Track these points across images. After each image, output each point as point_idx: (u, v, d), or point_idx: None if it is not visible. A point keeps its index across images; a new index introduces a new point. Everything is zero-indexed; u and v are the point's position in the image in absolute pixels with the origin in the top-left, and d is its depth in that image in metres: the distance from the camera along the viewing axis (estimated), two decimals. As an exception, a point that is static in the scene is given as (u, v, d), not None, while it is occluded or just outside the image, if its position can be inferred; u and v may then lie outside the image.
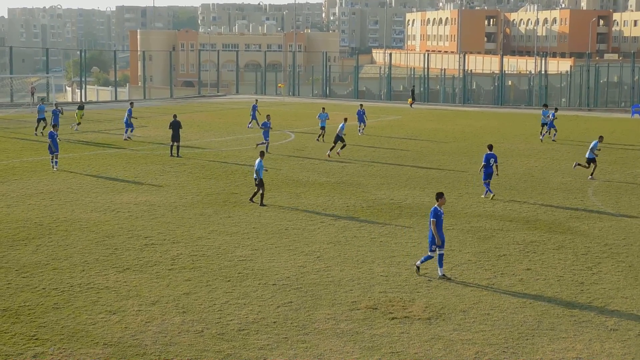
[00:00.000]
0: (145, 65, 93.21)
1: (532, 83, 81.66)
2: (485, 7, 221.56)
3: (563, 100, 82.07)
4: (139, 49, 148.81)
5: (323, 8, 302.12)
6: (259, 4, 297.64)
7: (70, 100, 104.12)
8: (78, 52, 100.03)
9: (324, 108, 46.52)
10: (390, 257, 20.14)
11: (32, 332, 14.63)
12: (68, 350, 13.82)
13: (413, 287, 17.64)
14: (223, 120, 55.21)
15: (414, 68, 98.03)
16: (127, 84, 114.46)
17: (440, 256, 18.24)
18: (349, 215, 25.06)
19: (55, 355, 13.59)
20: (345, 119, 40.04)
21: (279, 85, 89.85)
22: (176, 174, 32.38)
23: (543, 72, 79.72)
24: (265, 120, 39.15)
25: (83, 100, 77.43)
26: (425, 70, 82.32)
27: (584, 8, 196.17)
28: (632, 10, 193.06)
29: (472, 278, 18.44)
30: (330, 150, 37.69)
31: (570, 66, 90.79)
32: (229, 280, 17.98)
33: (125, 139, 43.49)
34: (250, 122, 51.05)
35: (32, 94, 68.41)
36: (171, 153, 37.14)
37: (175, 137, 37.27)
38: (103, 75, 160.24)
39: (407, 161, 36.81)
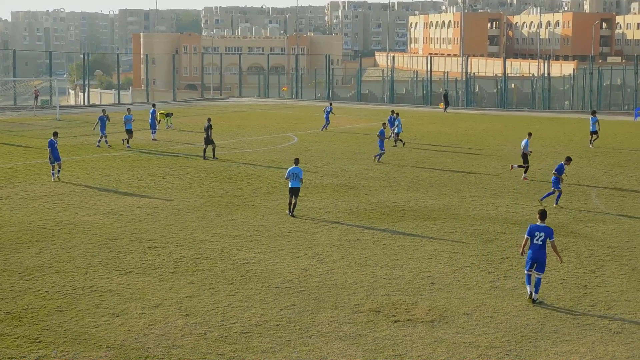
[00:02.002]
0: (148, 68, 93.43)
1: (535, 86, 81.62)
2: (488, 10, 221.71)
3: (566, 103, 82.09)
4: (142, 52, 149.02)
5: (326, 11, 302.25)
6: (261, 7, 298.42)
7: (73, 103, 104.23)
8: (81, 56, 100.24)
9: (396, 112, 46.45)
10: (393, 260, 20.13)
11: (35, 335, 14.64)
12: (71, 353, 13.83)
13: (416, 290, 17.63)
14: (226, 123, 55.21)
15: (417, 71, 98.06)
16: (130, 87, 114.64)
17: (538, 280, 17.00)
18: (352, 218, 25.05)
19: (59, 358, 13.59)
20: (530, 134, 35.19)
21: (282, 88, 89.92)
22: (179, 176, 32.40)
23: (546, 75, 79.69)
24: (382, 127, 38.34)
25: (87, 103, 77.56)
26: (428, 73, 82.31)
27: (587, 11, 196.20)
28: (635, 13, 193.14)
29: (475, 281, 18.43)
30: (521, 169, 33.25)
31: (573, 69, 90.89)
32: (232, 283, 17.98)
33: (153, 140, 44.49)
34: (323, 126, 51.04)
35: (36, 97, 68.48)
36: (204, 156, 37.26)
37: (209, 140, 37.33)
38: (106, 78, 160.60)
39: (410, 164, 36.80)
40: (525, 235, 17.20)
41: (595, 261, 20.28)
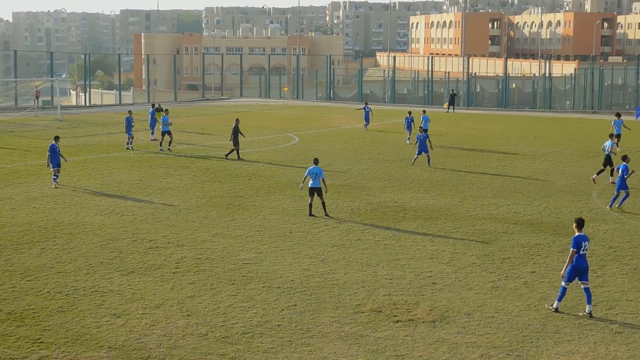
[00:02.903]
0: (149, 68, 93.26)
1: (536, 86, 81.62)
2: (489, 10, 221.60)
3: (567, 103, 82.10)
4: (143, 53, 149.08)
5: (327, 11, 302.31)
6: (263, 7, 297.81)
7: (75, 103, 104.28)
8: (82, 56, 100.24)
9: (424, 111, 47.27)
10: (394, 260, 20.13)
11: (37, 335, 14.65)
12: (72, 353, 13.83)
13: (417, 290, 17.63)
14: (227, 123, 55.18)
15: (418, 71, 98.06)
16: (132, 88, 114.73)
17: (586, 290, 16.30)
18: (353, 218, 25.05)
19: (60, 359, 13.59)
20: (614, 135, 34.19)
21: (284, 88, 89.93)
22: (180, 177, 32.41)
23: (547, 75, 79.68)
24: (419, 132, 36.43)
25: (89, 103, 77.59)
26: (429, 73, 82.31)
27: (588, 11, 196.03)
28: (636, 13, 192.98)
29: (476, 281, 18.42)
30: (597, 174, 31.85)
31: (575, 69, 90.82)
32: (233, 284, 17.98)
33: (152, 140, 44.38)
34: (365, 125, 51.45)
35: (37, 98, 68.51)
36: (227, 156, 37.34)
37: (236, 141, 37.29)
38: (107, 78, 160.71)
39: (411, 164, 36.76)
40: (572, 249, 16.12)
41: (597, 261, 20.27)
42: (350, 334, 14.90)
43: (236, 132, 37.45)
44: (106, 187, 29.98)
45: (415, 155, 36.05)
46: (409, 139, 44.48)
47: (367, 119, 51.68)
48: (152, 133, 45.00)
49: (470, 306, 16.58)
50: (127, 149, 40.58)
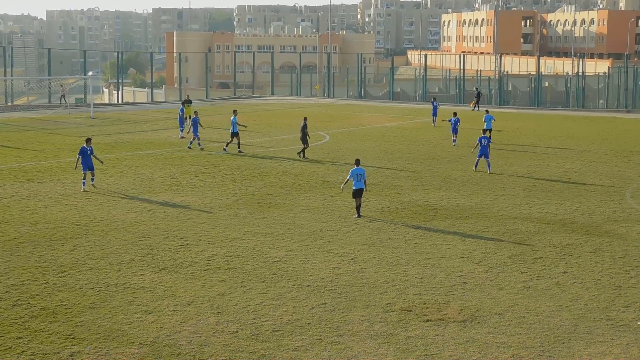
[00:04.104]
0: (181, 66, 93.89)
1: (569, 84, 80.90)
2: (522, 8, 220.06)
3: (601, 101, 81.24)
4: (175, 51, 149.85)
5: (358, 9, 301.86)
6: (294, 5, 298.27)
7: (107, 101, 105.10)
8: (115, 54, 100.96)
9: (487, 110, 47.95)
10: (425, 260, 20.07)
11: (69, 331, 14.78)
12: (104, 349, 13.95)
13: (448, 290, 17.56)
14: (258, 121, 55.37)
15: (449, 70, 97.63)
16: (163, 86, 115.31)
17: None
18: (383, 217, 25.01)
19: (92, 355, 13.71)
20: None
21: (315, 86, 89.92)
22: (211, 175, 32.54)
23: (580, 74, 78.92)
24: (482, 134, 35.71)
25: (121, 101, 78.18)
26: (461, 71, 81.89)
27: (623, 8, 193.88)
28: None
29: (507, 281, 18.31)
30: None
31: (608, 67, 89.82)
32: (263, 281, 18.03)
33: (181, 137, 44.35)
34: (434, 122, 51.76)
35: (63, 96, 68.99)
36: (303, 155, 37.20)
37: (305, 140, 37.27)
38: (139, 76, 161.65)
39: (442, 163, 36.66)
40: None
41: (630, 261, 20.07)
42: (380, 333, 14.88)
43: (304, 130, 37.39)
44: (138, 185, 30.18)
45: (477, 159, 34.26)
46: (454, 140, 43.33)
47: (434, 114, 53.02)
48: (181, 131, 45.15)
49: (501, 306, 16.49)
50: (189, 147, 39.84)
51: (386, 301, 16.71)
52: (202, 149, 39.80)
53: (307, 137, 37.57)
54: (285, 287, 17.65)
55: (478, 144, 33.93)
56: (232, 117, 39.13)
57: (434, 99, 56.88)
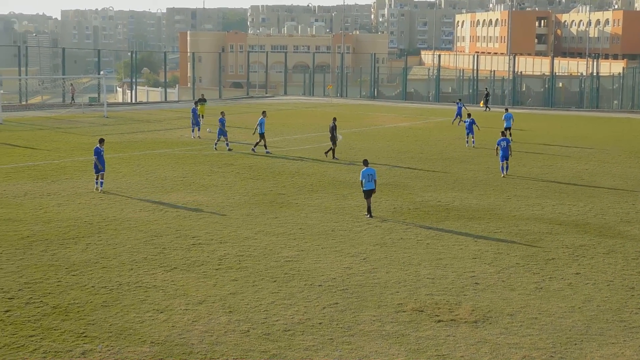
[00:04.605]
0: (194, 66, 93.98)
1: (583, 85, 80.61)
2: (536, 8, 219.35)
3: (615, 102, 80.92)
4: (188, 51, 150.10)
5: (372, 9, 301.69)
6: (307, 5, 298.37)
7: (121, 100, 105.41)
8: (129, 54, 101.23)
9: (507, 109, 49.25)
10: (436, 260, 20.04)
11: (81, 329, 14.83)
12: (116, 347, 13.99)
13: (459, 290, 17.52)
14: (271, 121, 55.33)
15: (463, 70, 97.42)
16: (177, 85, 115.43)
17: None
18: (395, 217, 24.98)
19: (104, 353, 13.76)
20: None
21: (328, 86, 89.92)
22: (223, 174, 32.59)
23: (595, 74, 78.60)
24: (501, 136, 34.07)
25: (135, 100, 78.39)
26: (475, 72, 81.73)
27: (638, 9, 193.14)
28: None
29: (519, 282, 18.26)
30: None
31: (623, 68, 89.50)
32: (275, 281, 18.04)
33: (194, 137, 44.53)
34: (454, 120, 52.25)
35: (72, 95, 69.13)
36: (332, 155, 37.02)
37: (334, 140, 37.15)
38: (153, 76, 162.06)
39: (454, 163, 36.59)
40: None
41: (643, 263, 19.97)
42: (391, 333, 14.87)
43: (333, 131, 37.26)
44: (150, 184, 30.26)
45: (501, 163, 33.13)
46: (473, 142, 42.66)
47: (459, 114, 53.50)
48: (193, 130, 45.06)
49: (513, 307, 16.44)
50: (215, 148, 39.46)
51: (398, 301, 16.70)
52: (230, 150, 39.24)
53: (336, 137, 37.46)
54: (297, 286, 17.65)
55: (498, 147, 32.99)
56: (260, 118, 38.94)
57: (459, 99, 57.43)
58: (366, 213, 24.96)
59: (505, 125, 43.91)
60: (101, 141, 29.26)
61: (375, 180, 24.70)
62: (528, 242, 21.99)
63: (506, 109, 47.28)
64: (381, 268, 19.22)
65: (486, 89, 73.77)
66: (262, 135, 38.63)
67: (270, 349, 14.02)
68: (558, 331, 15.09)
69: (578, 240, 22.33)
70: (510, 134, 42.39)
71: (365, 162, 25.21)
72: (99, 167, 28.39)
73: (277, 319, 15.54)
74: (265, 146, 38.88)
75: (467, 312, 16.04)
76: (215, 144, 39.89)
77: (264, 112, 39.85)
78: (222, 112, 40.72)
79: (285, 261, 19.72)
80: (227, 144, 39.69)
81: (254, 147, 39.01)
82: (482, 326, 15.30)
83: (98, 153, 28.54)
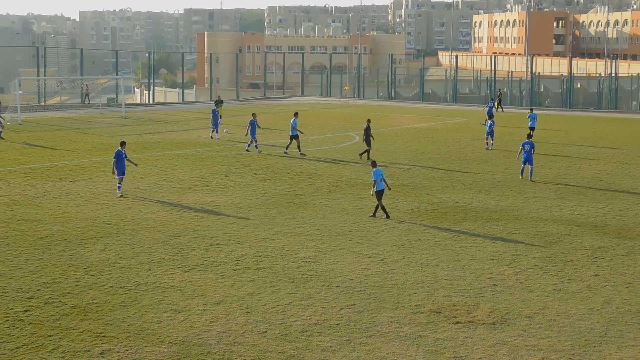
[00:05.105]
0: (212, 67, 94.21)
1: (601, 86, 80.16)
2: (554, 9, 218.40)
3: (634, 103, 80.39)
4: (206, 51, 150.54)
5: (389, 10, 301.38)
6: (325, 6, 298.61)
7: (138, 101, 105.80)
8: (147, 54, 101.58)
9: (531, 109, 50.20)
10: (454, 261, 19.98)
11: (100, 329, 14.89)
12: (134, 347, 14.03)
13: (477, 292, 17.46)
14: (288, 122, 55.36)
15: (480, 71, 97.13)
16: (194, 86, 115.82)
17: None
18: (413, 218, 24.93)
19: (122, 353, 13.80)
20: None
21: (345, 87, 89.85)
22: (241, 175, 32.64)
23: (613, 75, 78.13)
24: (526, 139, 33.13)
25: (152, 101, 78.67)
26: (492, 72, 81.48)
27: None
28: None
29: (538, 283, 18.18)
30: None
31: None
32: (292, 282, 18.05)
33: (214, 138, 44.52)
34: (492, 144, 50.27)
35: (87, 95, 69.33)
36: (368, 157, 36.76)
37: (368, 142, 37.10)
38: (171, 77, 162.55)
39: (472, 164, 36.48)
40: None
41: (663, 265, 19.83)
42: (409, 334, 14.84)
43: (367, 132, 37.20)
44: (168, 184, 30.34)
45: (522, 166, 32.62)
46: (492, 144, 42.04)
47: (488, 113, 52.49)
48: (212, 131, 45.12)
49: (532, 309, 16.37)
50: (247, 151, 39.14)
51: (415, 302, 16.66)
52: (259, 152, 39.02)
53: (371, 138, 37.36)
54: (314, 287, 17.65)
55: (522, 149, 32.40)
56: (292, 120, 38.83)
57: (492, 99, 57.60)
58: (372, 214, 24.99)
59: (529, 124, 44.36)
60: (122, 144, 28.60)
61: (384, 180, 24.77)
62: (546, 244, 21.89)
63: (531, 109, 47.47)
64: (399, 269, 19.19)
65: (499, 89, 73.64)
66: (295, 137, 38.55)
67: (288, 350, 14.02)
68: (577, 333, 15.01)
69: (597, 241, 22.21)
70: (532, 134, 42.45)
71: (374, 164, 25.30)
72: (115, 171, 27.84)
73: (294, 319, 15.54)
74: (298, 147, 38.79)
75: (485, 314, 15.98)
76: (256, 146, 39.39)
77: (296, 114, 39.72)
78: (253, 114, 40.43)
79: (302, 262, 19.72)
80: (256, 146, 39.40)
81: (299, 149, 38.78)
82: (500, 328, 15.24)
83: (119, 156, 27.83)
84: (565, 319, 15.80)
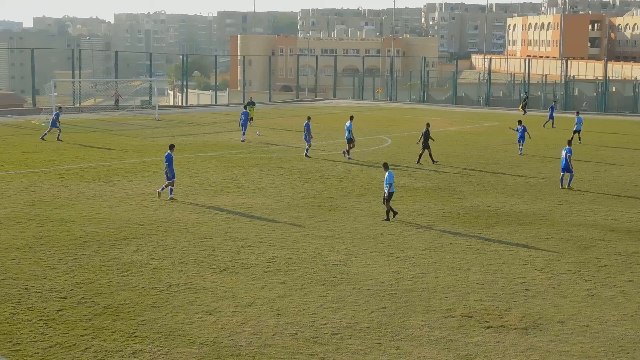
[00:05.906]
0: (244, 69, 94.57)
1: (637, 89, 79.32)
2: (589, 12, 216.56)
3: (669, 107, 79.49)
4: (239, 54, 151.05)
5: (422, 13, 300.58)
6: (358, 9, 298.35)
7: (172, 104, 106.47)
8: (180, 57, 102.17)
9: (578, 112, 50.21)
10: (486, 265, 19.87)
11: (132, 329, 15.00)
12: (165, 348, 14.11)
13: (509, 296, 17.35)
14: (320, 124, 55.45)
15: (514, 74, 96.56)
16: (227, 88, 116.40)
17: None
18: (444, 222, 24.83)
19: (153, 353, 13.89)
20: None
21: (377, 90, 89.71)
22: (273, 177, 32.71)
23: (649, 79, 77.26)
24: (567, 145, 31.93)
25: (185, 103, 79.13)
26: (526, 76, 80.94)
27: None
28: None
29: (571, 288, 18.02)
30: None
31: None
32: (323, 284, 18.05)
33: (242, 141, 44.51)
34: (521, 149, 43.87)
35: (117, 101, 69.64)
36: (431, 160, 36.66)
37: (426, 145, 36.89)
38: (204, 79, 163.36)
39: (504, 168, 36.26)
40: None
41: (698, 271, 19.57)
42: (440, 339, 14.78)
43: (427, 136, 36.95)
44: (200, 186, 30.49)
45: (561, 174, 31.47)
46: (521, 149, 41.03)
47: (550, 117, 55.44)
48: (243, 134, 45.19)
49: (564, 314, 16.23)
50: (307, 156, 38.61)
51: (446, 306, 16.59)
52: (307, 157, 38.44)
53: (430, 140, 37.00)
54: (345, 290, 17.64)
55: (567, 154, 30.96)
56: (347, 123, 38.53)
57: (554, 101, 58.04)
58: (386, 217, 25.01)
59: (575, 128, 45.09)
60: (171, 147, 28.05)
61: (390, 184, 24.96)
62: (580, 249, 21.70)
63: (577, 112, 47.59)
64: (430, 273, 19.13)
65: (525, 92, 73.20)
66: (349, 141, 38.13)
67: (318, 352, 14.02)
68: (610, 339, 14.86)
69: (631, 247, 21.97)
70: (579, 138, 45.49)
71: (386, 166, 25.46)
72: (169, 174, 27.37)
73: (325, 322, 15.54)
74: (347, 151, 38.25)
75: (517, 319, 15.88)
76: (307, 149, 38.93)
77: (351, 117, 39.34)
78: (308, 117, 40.22)
79: (333, 265, 19.72)
80: (307, 150, 38.93)
81: (346, 154, 38.34)
82: (532, 333, 15.13)
83: (169, 159, 27.28)
84: (598, 324, 15.65)
